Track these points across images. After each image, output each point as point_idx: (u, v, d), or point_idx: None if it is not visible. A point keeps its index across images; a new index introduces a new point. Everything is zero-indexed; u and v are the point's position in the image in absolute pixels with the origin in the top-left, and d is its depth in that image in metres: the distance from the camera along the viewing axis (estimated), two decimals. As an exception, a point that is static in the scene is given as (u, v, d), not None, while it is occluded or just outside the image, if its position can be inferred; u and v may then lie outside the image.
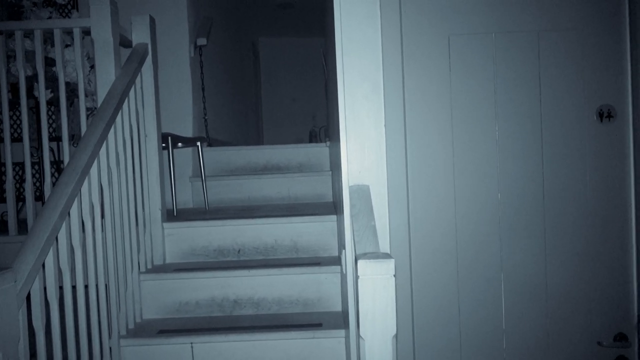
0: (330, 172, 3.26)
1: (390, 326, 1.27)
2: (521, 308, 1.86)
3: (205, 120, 3.67)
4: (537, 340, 1.87)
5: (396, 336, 1.27)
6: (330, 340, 2.00)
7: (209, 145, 3.59)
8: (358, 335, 1.31)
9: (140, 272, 2.22)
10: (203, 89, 3.62)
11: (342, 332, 1.99)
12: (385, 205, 1.62)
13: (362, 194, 1.61)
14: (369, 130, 1.65)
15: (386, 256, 1.29)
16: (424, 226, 1.83)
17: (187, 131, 3.38)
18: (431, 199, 1.83)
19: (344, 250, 1.76)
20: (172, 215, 2.74)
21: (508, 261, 1.85)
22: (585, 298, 1.87)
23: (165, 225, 2.44)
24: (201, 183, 3.15)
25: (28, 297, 1.45)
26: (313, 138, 6.94)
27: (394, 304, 1.27)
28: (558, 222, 1.85)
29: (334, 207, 2.75)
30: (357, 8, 1.65)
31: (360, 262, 1.26)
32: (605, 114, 1.85)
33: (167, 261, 2.44)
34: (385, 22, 1.71)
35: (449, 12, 1.81)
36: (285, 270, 2.24)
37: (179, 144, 3.05)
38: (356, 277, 1.28)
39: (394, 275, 1.27)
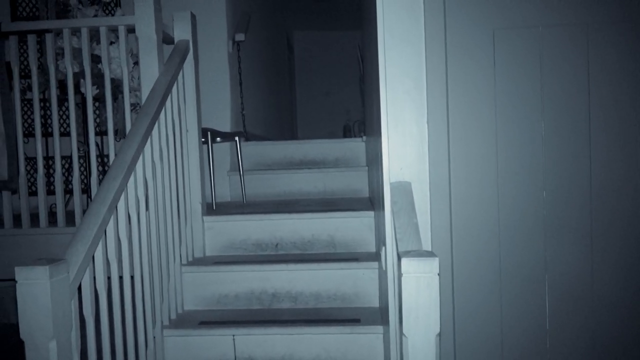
0: (367, 168, 3.25)
1: (433, 324, 1.26)
2: (566, 309, 1.81)
3: (243, 114, 3.71)
4: (583, 342, 1.83)
5: (440, 335, 1.26)
6: (369, 336, 2.00)
7: (246, 139, 3.63)
8: (400, 333, 1.31)
9: (181, 264, 2.27)
10: (241, 84, 3.66)
11: (380, 328, 1.99)
12: (427, 203, 1.60)
13: (403, 190, 1.60)
14: (410, 126, 1.63)
15: (430, 254, 1.28)
16: (466, 223, 1.80)
17: (225, 125, 3.43)
18: (474, 196, 1.81)
19: (384, 247, 1.76)
20: (211, 208, 2.79)
21: (553, 260, 1.81)
22: (635, 300, 1.81)
23: (205, 218, 2.48)
24: (239, 177, 3.19)
25: (79, 288, 1.50)
26: (347, 132, 6.94)
27: (438, 302, 1.26)
28: (606, 222, 1.80)
29: (371, 203, 2.74)
30: (400, 2, 1.64)
31: (404, 260, 1.26)
32: (659, 110, 1.78)
33: (207, 254, 2.49)
34: (428, 17, 1.69)
35: (494, 5, 1.77)
36: (323, 265, 2.25)
37: (218, 139, 3.10)
38: (399, 275, 1.28)
39: (438, 274, 1.26)
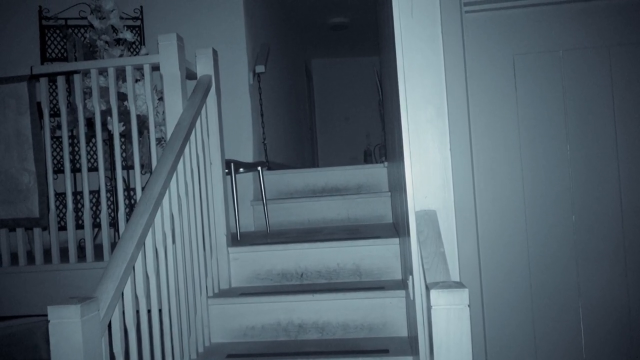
0: (389, 193, 3.24)
1: (465, 357, 1.23)
2: (602, 336, 1.75)
3: (265, 144, 3.75)
4: (621, 371, 1.76)
5: (473, 368, 1.23)
6: (398, 368, 1.96)
7: (269, 169, 3.66)
8: (432, 367, 1.28)
9: (207, 297, 2.27)
10: (262, 114, 3.72)
11: (410, 358, 1.95)
12: (454, 231, 1.59)
13: (429, 219, 1.59)
14: (434, 154, 1.63)
15: (459, 285, 1.26)
16: (494, 251, 1.77)
17: (248, 156, 3.47)
18: (501, 223, 1.78)
19: (411, 277, 1.74)
20: (235, 239, 2.80)
21: (586, 286, 1.76)
22: (674, 326, 1.75)
23: (230, 249, 2.49)
24: (262, 206, 3.21)
25: (109, 325, 1.52)
26: (368, 157, 6.94)
27: (469, 334, 1.23)
28: (640, 245, 1.75)
29: (395, 229, 2.72)
30: (419, 32, 1.65)
31: (433, 292, 1.24)
32: (688, 129, 1.74)
33: (233, 285, 2.49)
34: (447, 44, 1.70)
35: (513, 31, 1.77)
36: (349, 294, 2.23)
37: (241, 169, 3.13)
38: (429, 307, 1.26)
39: (468, 305, 1.24)
